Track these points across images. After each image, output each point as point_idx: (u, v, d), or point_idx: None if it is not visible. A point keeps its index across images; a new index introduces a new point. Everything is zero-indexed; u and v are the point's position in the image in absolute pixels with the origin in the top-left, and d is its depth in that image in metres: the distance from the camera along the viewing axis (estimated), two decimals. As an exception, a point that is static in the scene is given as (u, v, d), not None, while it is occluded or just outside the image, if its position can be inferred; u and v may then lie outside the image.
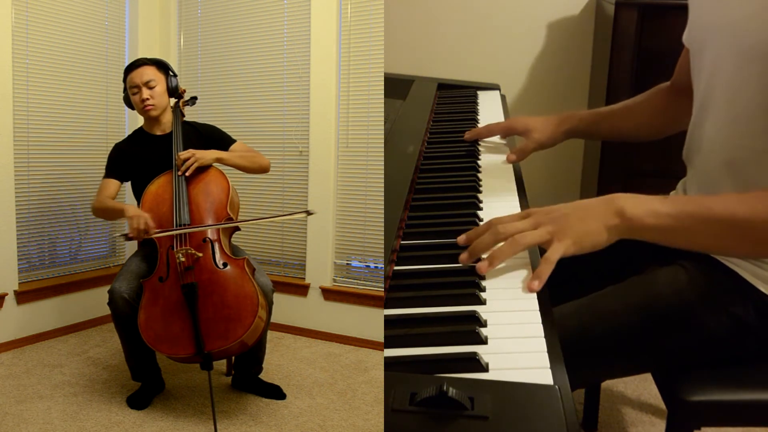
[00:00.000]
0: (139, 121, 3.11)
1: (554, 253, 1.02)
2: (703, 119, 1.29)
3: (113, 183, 2.29)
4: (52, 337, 2.84)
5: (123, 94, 2.36)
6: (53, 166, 2.90)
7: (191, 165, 2.19)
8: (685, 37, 1.45)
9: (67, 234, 3.00)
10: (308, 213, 2.19)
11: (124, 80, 2.31)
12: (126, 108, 3.19)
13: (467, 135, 1.67)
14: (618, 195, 1.05)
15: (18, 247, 2.75)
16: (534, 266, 1.04)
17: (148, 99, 2.26)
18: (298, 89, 3.03)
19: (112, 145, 2.36)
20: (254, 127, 3.13)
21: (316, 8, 2.95)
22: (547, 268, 1.00)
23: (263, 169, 2.36)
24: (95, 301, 3.02)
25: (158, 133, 2.34)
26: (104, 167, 2.34)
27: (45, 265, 2.93)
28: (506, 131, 1.69)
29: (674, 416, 1.27)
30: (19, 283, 2.76)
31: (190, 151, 2.22)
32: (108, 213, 2.24)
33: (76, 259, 3.05)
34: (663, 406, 1.73)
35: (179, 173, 2.21)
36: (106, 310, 3.07)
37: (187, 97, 2.42)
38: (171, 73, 2.35)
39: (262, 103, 3.14)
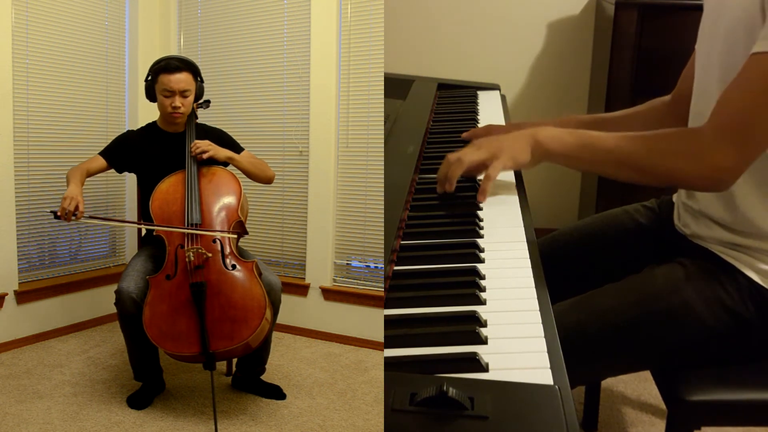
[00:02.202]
0: (140, 121, 3.11)
1: (494, 170, 1.27)
2: (705, 105, 1.30)
3: (100, 161, 2.29)
4: (52, 337, 2.84)
5: (146, 83, 2.29)
6: (53, 166, 2.90)
7: (206, 151, 2.21)
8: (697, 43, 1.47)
9: (67, 234, 3.00)
10: (239, 234, 2.19)
11: (157, 75, 2.24)
12: (126, 108, 3.20)
13: (465, 135, 1.66)
14: (540, 127, 1.30)
15: (18, 247, 2.75)
16: (534, 269, 1.05)
17: (179, 108, 2.26)
18: (298, 89, 3.03)
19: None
20: (254, 127, 3.13)
21: (316, 8, 2.95)
22: (488, 183, 1.28)
23: (269, 180, 2.39)
24: (95, 301, 3.02)
25: (171, 131, 2.35)
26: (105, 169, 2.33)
27: (45, 265, 2.93)
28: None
29: (674, 416, 1.27)
30: (19, 283, 2.76)
31: (207, 142, 2.25)
32: (66, 181, 2.21)
33: (76, 259, 3.05)
34: (663, 406, 1.73)
35: (192, 153, 2.22)
36: (106, 310, 3.08)
37: (201, 99, 2.42)
38: (200, 79, 2.34)
39: (262, 103, 3.14)
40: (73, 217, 2.08)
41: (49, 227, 2.91)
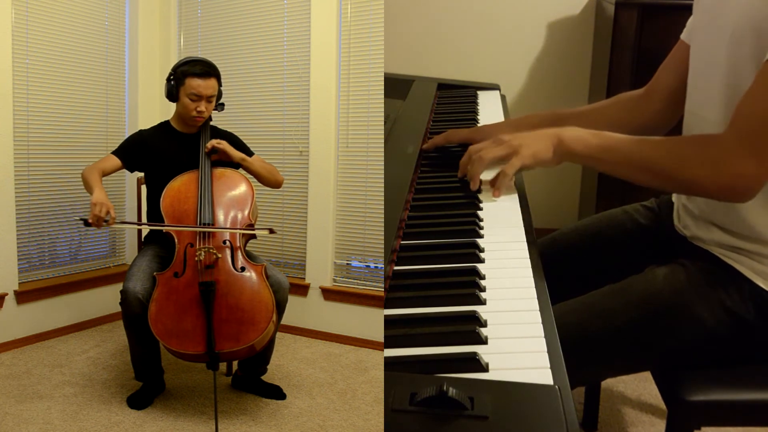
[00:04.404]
0: (140, 120, 3.11)
1: (511, 167, 1.29)
2: (703, 110, 1.30)
3: (114, 160, 2.28)
4: (51, 337, 2.84)
5: (169, 83, 2.26)
6: (53, 166, 2.90)
7: (220, 147, 2.24)
8: (685, 34, 1.46)
9: (67, 234, 3.00)
10: (271, 231, 2.20)
11: (184, 77, 2.23)
12: (126, 108, 3.20)
13: (426, 146, 1.58)
14: (565, 127, 1.29)
15: (18, 247, 2.75)
16: (534, 269, 1.05)
17: (203, 112, 2.26)
18: (298, 89, 3.03)
19: (112, 145, 2.35)
20: (254, 127, 3.13)
21: (316, 8, 2.95)
22: (505, 180, 1.31)
23: (278, 184, 2.41)
24: (95, 301, 3.02)
25: (186, 131, 2.35)
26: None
27: (45, 265, 2.93)
28: (466, 141, 1.58)
29: (674, 416, 1.27)
30: (19, 283, 2.76)
31: (223, 141, 2.27)
32: (86, 184, 2.20)
33: (76, 259, 3.05)
34: (663, 406, 1.73)
35: (207, 149, 2.24)
36: (106, 310, 3.08)
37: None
38: (220, 86, 2.33)
39: (262, 103, 3.14)
40: (104, 223, 2.07)
41: (49, 227, 2.91)
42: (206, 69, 2.25)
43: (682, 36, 1.47)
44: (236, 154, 2.29)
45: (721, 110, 1.24)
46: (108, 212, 2.06)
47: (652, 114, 1.51)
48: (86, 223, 2.07)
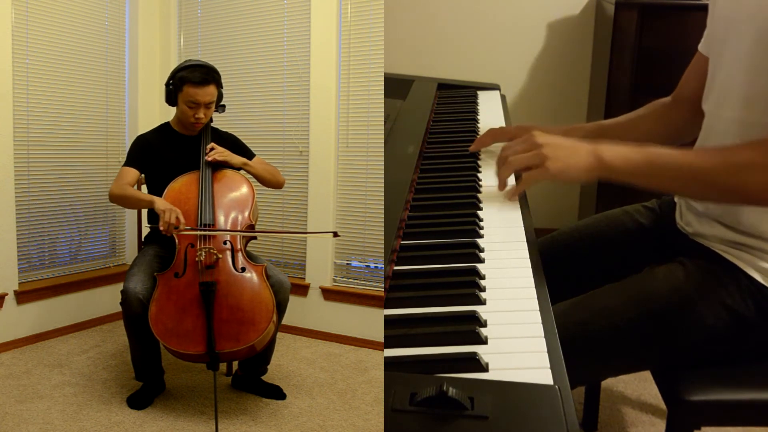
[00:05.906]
0: (140, 120, 3.11)
1: (531, 179, 1.24)
2: (721, 109, 1.31)
3: (133, 172, 2.27)
4: (51, 337, 2.84)
5: (168, 89, 2.26)
6: (53, 166, 2.90)
7: (220, 155, 2.24)
8: (702, 46, 1.47)
9: (67, 234, 3.00)
10: (335, 234, 2.21)
11: (182, 83, 2.21)
12: (126, 108, 3.20)
13: (472, 147, 1.58)
14: (601, 145, 1.22)
15: (18, 247, 2.75)
16: (534, 269, 1.05)
17: (202, 118, 2.26)
18: (298, 89, 3.03)
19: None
20: (254, 127, 3.13)
21: (316, 8, 2.95)
22: (522, 187, 1.29)
23: (279, 185, 2.42)
24: (95, 301, 3.02)
25: (186, 134, 2.35)
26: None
27: (45, 265, 2.93)
28: (513, 138, 1.56)
29: (674, 416, 1.27)
30: (19, 283, 2.76)
31: (224, 151, 2.27)
32: (130, 201, 2.21)
33: (76, 259, 3.05)
34: (663, 406, 1.73)
35: (207, 157, 2.24)
36: (106, 310, 3.08)
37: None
38: (221, 88, 2.32)
39: (262, 103, 3.14)
40: (175, 230, 2.08)
41: (49, 227, 2.91)
42: (204, 76, 2.22)
43: (700, 48, 1.48)
44: (237, 161, 2.29)
45: (740, 108, 1.25)
46: (177, 218, 2.08)
47: (683, 122, 1.52)
48: (158, 231, 2.09)
